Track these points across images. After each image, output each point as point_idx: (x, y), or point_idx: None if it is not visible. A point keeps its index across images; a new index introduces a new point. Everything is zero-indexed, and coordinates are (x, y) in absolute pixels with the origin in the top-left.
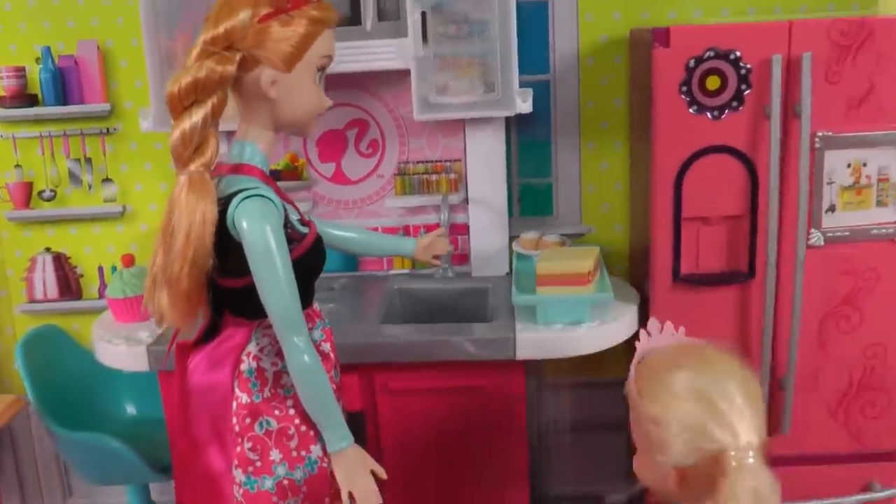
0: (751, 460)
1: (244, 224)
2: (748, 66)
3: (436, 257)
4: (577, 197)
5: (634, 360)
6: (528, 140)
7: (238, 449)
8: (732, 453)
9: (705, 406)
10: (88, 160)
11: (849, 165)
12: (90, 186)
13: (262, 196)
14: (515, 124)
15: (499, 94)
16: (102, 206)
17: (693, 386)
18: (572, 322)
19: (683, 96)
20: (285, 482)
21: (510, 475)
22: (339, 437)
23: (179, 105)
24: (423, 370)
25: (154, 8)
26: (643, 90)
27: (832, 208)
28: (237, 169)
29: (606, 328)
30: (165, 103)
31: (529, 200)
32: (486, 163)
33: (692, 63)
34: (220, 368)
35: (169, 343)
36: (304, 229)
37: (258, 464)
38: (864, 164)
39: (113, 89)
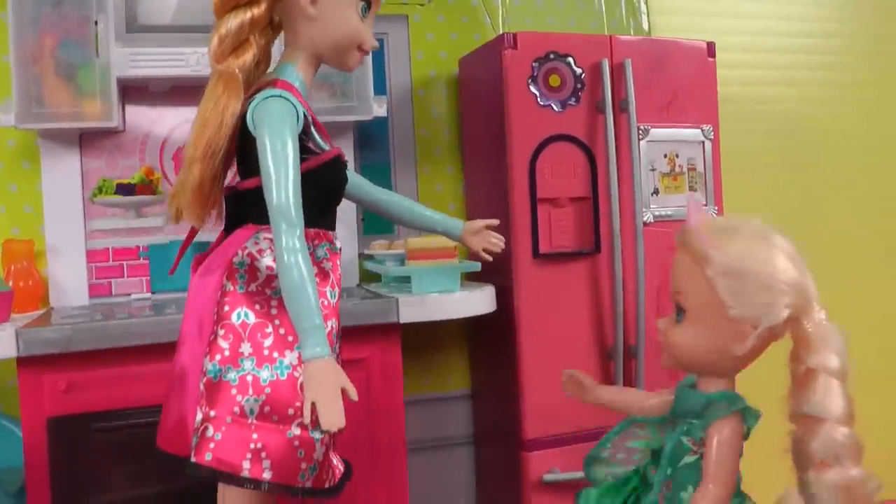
0: (826, 317)
1: (259, 116)
2: (581, 68)
3: (486, 251)
4: None
5: (692, 225)
6: (370, 163)
7: (212, 336)
8: (819, 311)
9: (793, 260)
10: None
11: (665, 156)
12: None
13: (282, 97)
14: (358, 148)
15: (355, 100)
16: None
17: (776, 240)
18: (445, 291)
19: (532, 90)
20: (249, 377)
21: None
22: (313, 343)
23: (221, 9)
24: None
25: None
26: (486, 98)
27: (656, 191)
28: (272, 83)
29: (476, 295)
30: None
31: (372, 219)
32: None
33: (536, 63)
34: (216, 269)
35: (180, 249)
36: (325, 146)
37: (226, 353)
38: (677, 156)
39: None
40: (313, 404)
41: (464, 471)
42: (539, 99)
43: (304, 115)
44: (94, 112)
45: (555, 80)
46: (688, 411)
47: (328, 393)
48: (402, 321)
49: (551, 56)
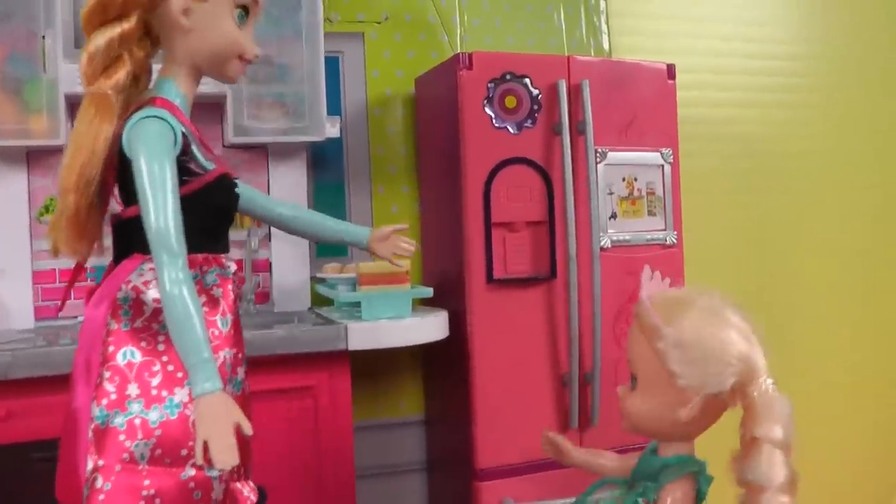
0: (774, 387)
1: (134, 138)
2: (538, 89)
3: (397, 257)
4: None
5: (644, 298)
6: (324, 183)
7: (98, 380)
8: (765, 379)
9: (743, 334)
10: None
11: (624, 179)
12: None
13: (157, 117)
14: (312, 168)
15: (308, 120)
16: None
17: (727, 315)
18: (395, 317)
19: (487, 111)
20: (137, 421)
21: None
22: (202, 378)
23: (89, 25)
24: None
25: None
26: (441, 119)
27: (614, 215)
28: (150, 101)
29: (428, 321)
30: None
31: None
32: (289, 197)
33: (491, 84)
34: (101, 303)
35: (65, 288)
36: (209, 165)
37: (113, 396)
38: (636, 179)
39: None
40: (205, 443)
41: (416, 498)
42: (494, 120)
43: (184, 135)
44: (41, 129)
45: (511, 102)
46: (646, 474)
47: (219, 430)
48: (350, 348)
49: (507, 77)
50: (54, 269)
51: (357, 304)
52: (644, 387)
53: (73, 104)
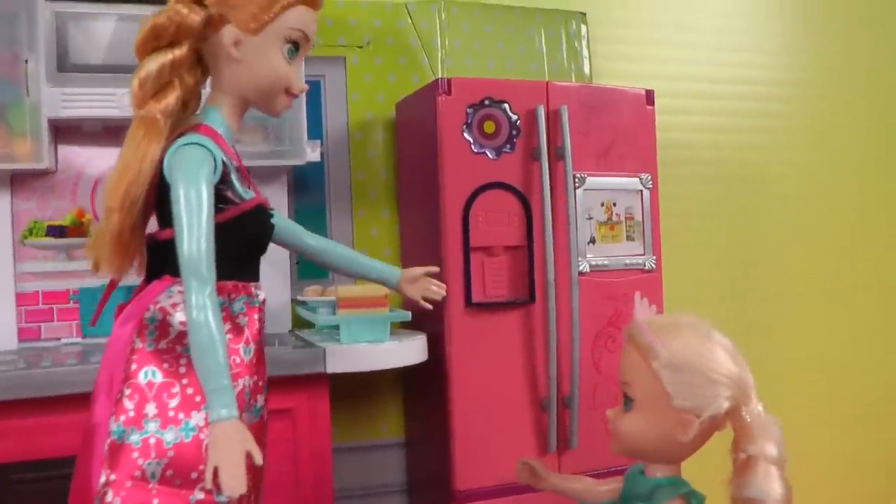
0: (764, 409)
1: (174, 163)
2: (517, 115)
3: (426, 300)
4: None
5: (638, 321)
6: (304, 207)
7: (118, 396)
8: (756, 403)
9: (732, 355)
10: None
11: (602, 204)
12: None
13: (199, 144)
14: (293, 191)
15: (288, 145)
16: None
17: (716, 337)
18: (374, 341)
19: (466, 136)
20: (152, 440)
21: None
22: (220, 404)
23: (142, 50)
24: None
25: None
26: (421, 143)
27: (593, 240)
28: (195, 128)
29: (406, 345)
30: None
31: (306, 264)
32: None
33: (470, 109)
34: (129, 321)
35: (101, 299)
36: (247, 195)
37: (131, 414)
38: (615, 204)
39: None
40: (216, 469)
41: None
42: (473, 146)
43: (224, 163)
44: (25, 153)
45: (489, 127)
46: (636, 496)
47: (231, 457)
48: (329, 371)
49: (486, 102)
50: (37, 291)
51: (337, 327)
52: (640, 408)
53: (56, 128)
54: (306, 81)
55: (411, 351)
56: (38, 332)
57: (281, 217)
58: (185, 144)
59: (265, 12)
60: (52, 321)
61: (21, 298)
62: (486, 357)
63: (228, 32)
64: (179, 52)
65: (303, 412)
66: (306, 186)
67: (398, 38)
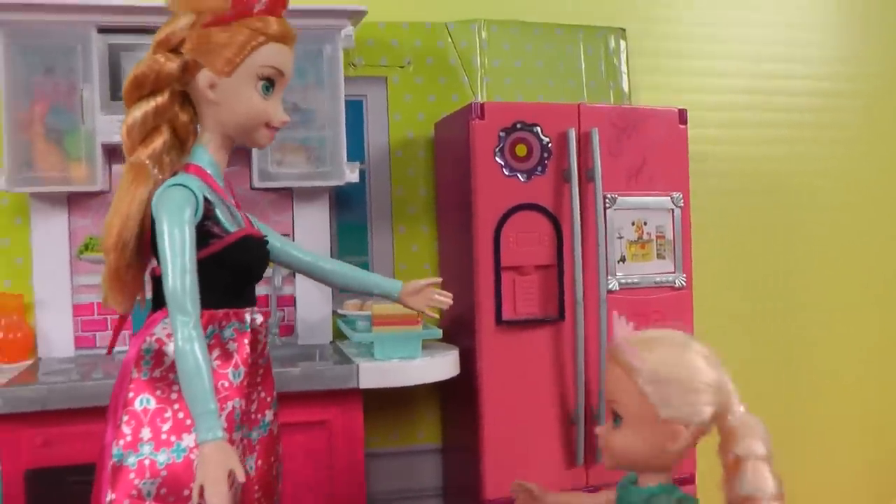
0: (746, 410)
1: (157, 205)
2: (548, 137)
3: (433, 308)
4: (391, 275)
5: (620, 338)
6: (347, 223)
7: (119, 422)
8: (739, 405)
9: (710, 363)
10: None
11: (633, 223)
12: None
13: (183, 185)
14: (335, 207)
15: (329, 165)
16: None
17: (695, 346)
18: (406, 357)
19: (498, 160)
20: (146, 462)
21: None
22: (206, 428)
23: (128, 99)
24: None
25: (13, 71)
26: (456, 164)
27: (623, 259)
28: (185, 168)
29: (437, 361)
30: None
31: None
32: (312, 237)
33: (503, 133)
34: (131, 349)
35: (114, 332)
36: (232, 228)
37: (128, 438)
38: (645, 223)
39: None
40: (202, 486)
41: None
42: (504, 169)
43: (207, 201)
44: (80, 176)
45: (521, 150)
46: None
47: (214, 476)
48: (362, 387)
49: (518, 126)
50: (93, 303)
51: (372, 343)
52: (630, 423)
53: (109, 152)
54: (349, 101)
55: (442, 366)
56: (94, 341)
57: (282, 241)
58: (171, 186)
59: (237, 55)
60: (107, 331)
61: (77, 309)
62: (517, 372)
63: (203, 77)
64: (161, 99)
65: (337, 424)
66: (349, 203)
67: (438, 57)
